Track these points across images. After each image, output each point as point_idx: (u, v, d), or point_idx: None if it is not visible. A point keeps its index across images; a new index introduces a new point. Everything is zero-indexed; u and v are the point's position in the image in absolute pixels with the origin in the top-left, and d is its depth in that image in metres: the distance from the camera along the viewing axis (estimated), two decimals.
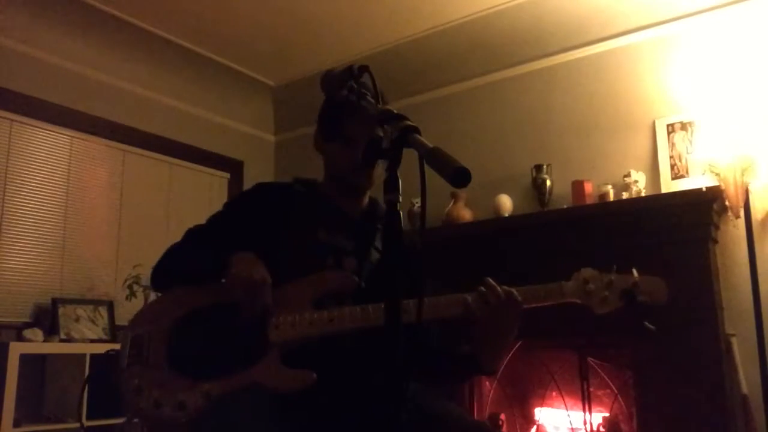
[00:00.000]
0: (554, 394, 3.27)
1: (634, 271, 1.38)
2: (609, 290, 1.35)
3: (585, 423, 3.08)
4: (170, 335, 1.36)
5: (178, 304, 1.41)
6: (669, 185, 3.02)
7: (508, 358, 3.22)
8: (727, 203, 2.71)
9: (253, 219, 1.48)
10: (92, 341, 3.24)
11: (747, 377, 2.66)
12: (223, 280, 1.34)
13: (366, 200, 1.57)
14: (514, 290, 1.34)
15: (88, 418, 3.05)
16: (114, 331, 3.38)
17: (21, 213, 3.29)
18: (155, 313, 1.43)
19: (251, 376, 1.29)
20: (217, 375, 1.29)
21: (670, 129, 3.07)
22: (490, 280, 1.35)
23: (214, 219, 1.54)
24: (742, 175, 2.68)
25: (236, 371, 1.29)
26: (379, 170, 1.47)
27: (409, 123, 0.97)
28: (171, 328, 1.37)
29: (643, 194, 3.00)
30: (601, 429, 3.05)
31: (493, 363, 1.43)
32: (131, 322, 1.41)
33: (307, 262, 1.42)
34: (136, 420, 1.37)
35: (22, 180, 3.31)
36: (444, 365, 1.49)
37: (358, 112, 1.33)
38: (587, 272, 1.38)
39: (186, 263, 1.47)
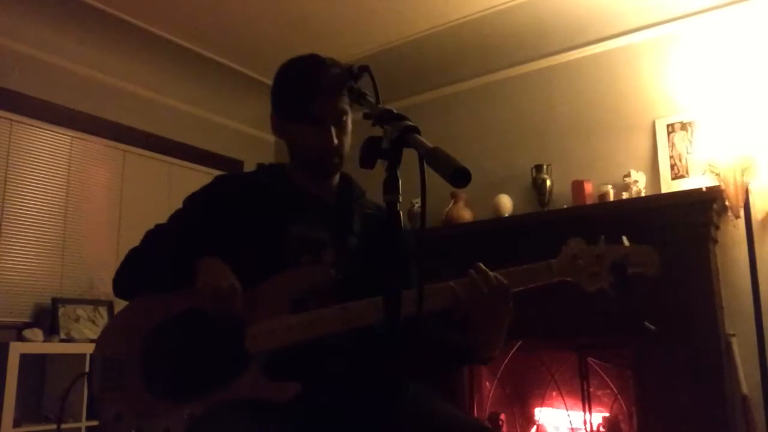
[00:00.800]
0: (554, 394, 3.27)
1: (625, 239, 1.28)
2: (599, 265, 1.26)
3: (585, 423, 3.08)
4: (144, 353, 1.27)
5: (146, 317, 1.31)
6: (669, 185, 3.02)
7: (509, 358, 3.22)
8: (727, 203, 2.71)
9: (215, 216, 1.39)
10: (92, 341, 3.22)
11: (747, 377, 2.66)
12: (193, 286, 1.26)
13: (337, 179, 1.49)
14: (498, 275, 1.27)
15: (88, 418, 3.05)
16: None
17: (21, 213, 3.28)
18: (123, 328, 1.33)
19: (233, 392, 1.22)
20: (198, 394, 1.22)
21: (670, 129, 3.08)
22: (481, 265, 1.27)
23: (175, 219, 1.44)
24: (742, 175, 2.69)
25: (217, 388, 1.22)
26: (347, 144, 1.40)
27: (409, 123, 0.97)
28: (144, 345, 1.28)
29: (643, 194, 3.00)
30: (601, 429, 3.05)
31: (487, 351, 1.36)
32: (99, 341, 1.32)
33: (281, 259, 1.33)
34: None
35: (22, 180, 3.31)
36: (436, 355, 1.44)
37: (321, 87, 1.28)
38: (574, 243, 1.29)
39: (150, 270, 1.36)
